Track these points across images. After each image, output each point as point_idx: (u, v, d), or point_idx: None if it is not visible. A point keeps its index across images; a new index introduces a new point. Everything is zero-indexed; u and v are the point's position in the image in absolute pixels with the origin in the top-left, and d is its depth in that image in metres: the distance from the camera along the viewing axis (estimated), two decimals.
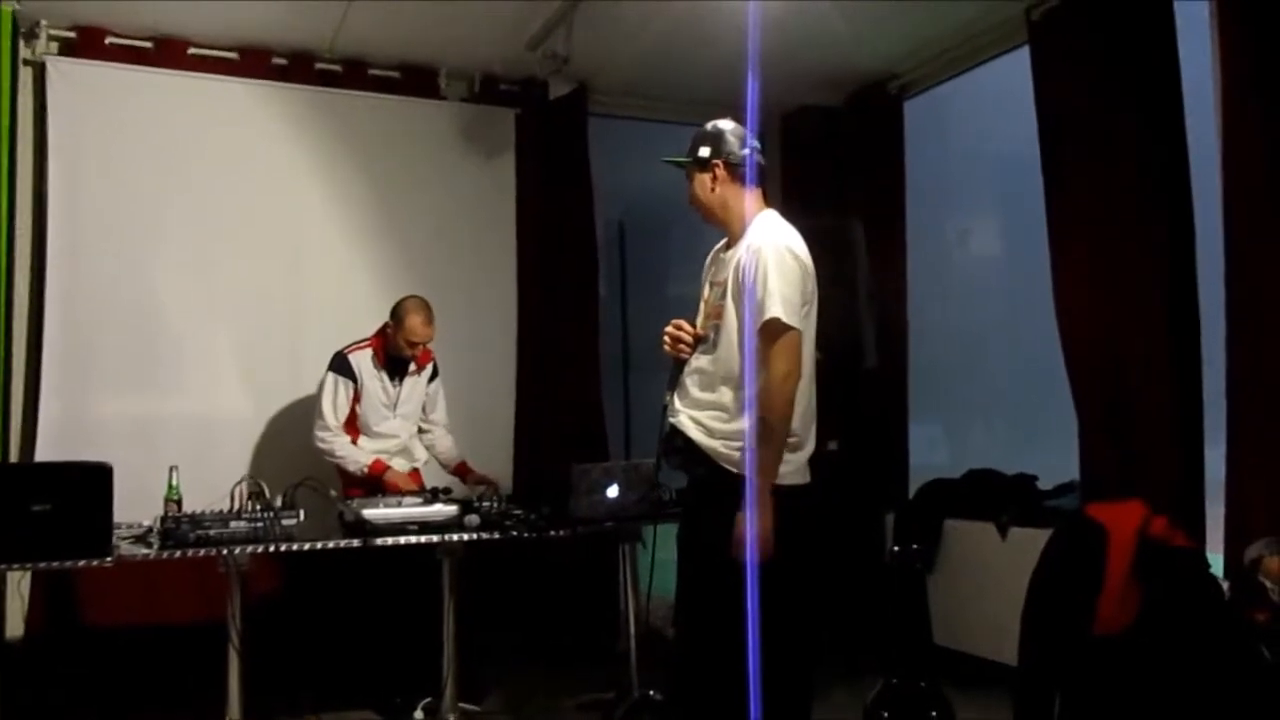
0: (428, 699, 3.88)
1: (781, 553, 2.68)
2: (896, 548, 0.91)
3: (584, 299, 5.30)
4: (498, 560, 4.36)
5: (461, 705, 3.83)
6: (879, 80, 5.27)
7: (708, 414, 2.81)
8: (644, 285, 7.31)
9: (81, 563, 3.19)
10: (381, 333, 4.25)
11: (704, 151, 2.90)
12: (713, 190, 2.90)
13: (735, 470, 2.74)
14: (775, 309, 2.70)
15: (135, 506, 3.57)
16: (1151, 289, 3.79)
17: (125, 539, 3.44)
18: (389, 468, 4.18)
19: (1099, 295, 3.95)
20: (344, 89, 4.92)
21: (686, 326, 2.90)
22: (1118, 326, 3.89)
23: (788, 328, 2.71)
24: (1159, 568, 3.20)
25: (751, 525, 2.64)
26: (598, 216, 5.35)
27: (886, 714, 0.68)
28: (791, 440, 2.77)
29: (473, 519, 3.63)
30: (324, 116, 4.86)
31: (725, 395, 2.80)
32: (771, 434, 2.69)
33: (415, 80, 5.07)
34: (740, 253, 2.82)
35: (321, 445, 4.17)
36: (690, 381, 2.86)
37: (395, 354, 4.22)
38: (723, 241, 2.98)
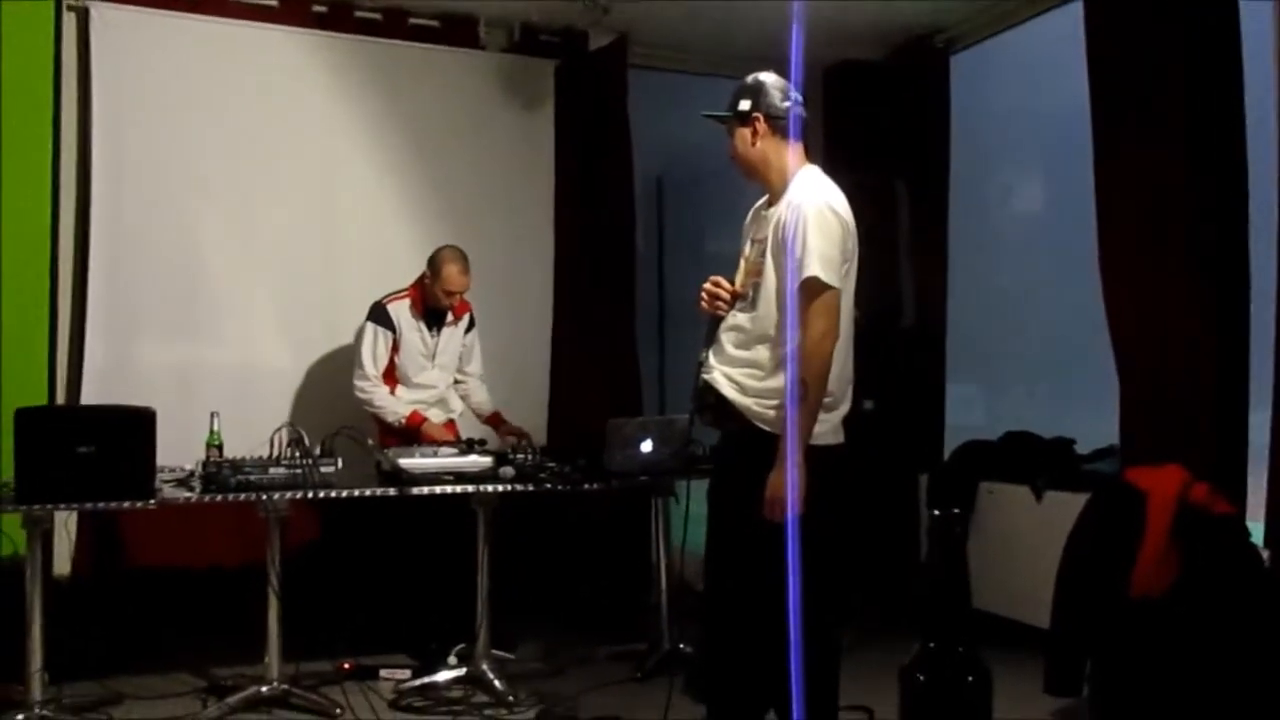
0: (462, 646, 3.95)
1: (813, 512, 2.68)
2: (937, 511, 0.90)
3: (620, 253, 5.28)
4: (532, 511, 4.39)
5: (494, 652, 3.88)
6: (925, 34, 5.16)
7: (742, 371, 2.79)
8: (681, 241, 7.28)
9: (125, 504, 3.26)
10: (419, 283, 4.27)
11: (744, 105, 2.85)
12: (753, 145, 2.85)
13: (768, 428, 2.74)
14: (814, 267, 2.67)
15: (176, 451, 3.63)
16: (1200, 252, 3.71)
17: (168, 482, 3.51)
18: (426, 420, 4.21)
19: (1145, 257, 3.87)
20: (383, 38, 4.90)
21: (724, 283, 2.88)
22: (1164, 290, 3.82)
23: (826, 286, 2.68)
24: (1198, 534, 3.16)
25: (793, 485, 2.63)
26: (636, 171, 5.31)
27: (922, 677, 0.68)
28: (826, 400, 2.75)
29: (507, 470, 3.66)
30: (363, 66, 4.85)
31: (761, 353, 2.78)
32: (807, 394, 2.68)
33: (455, 30, 5.03)
34: (781, 210, 2.78)
35: (361, 395, 4.21)
36: (727, 339, 2.84)
37: (433, 304, 4.24)
38: (764, 199, 2.95)
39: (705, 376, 2.85)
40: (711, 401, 2.84)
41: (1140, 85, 3.89)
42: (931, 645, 0.70)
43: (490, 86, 5.09)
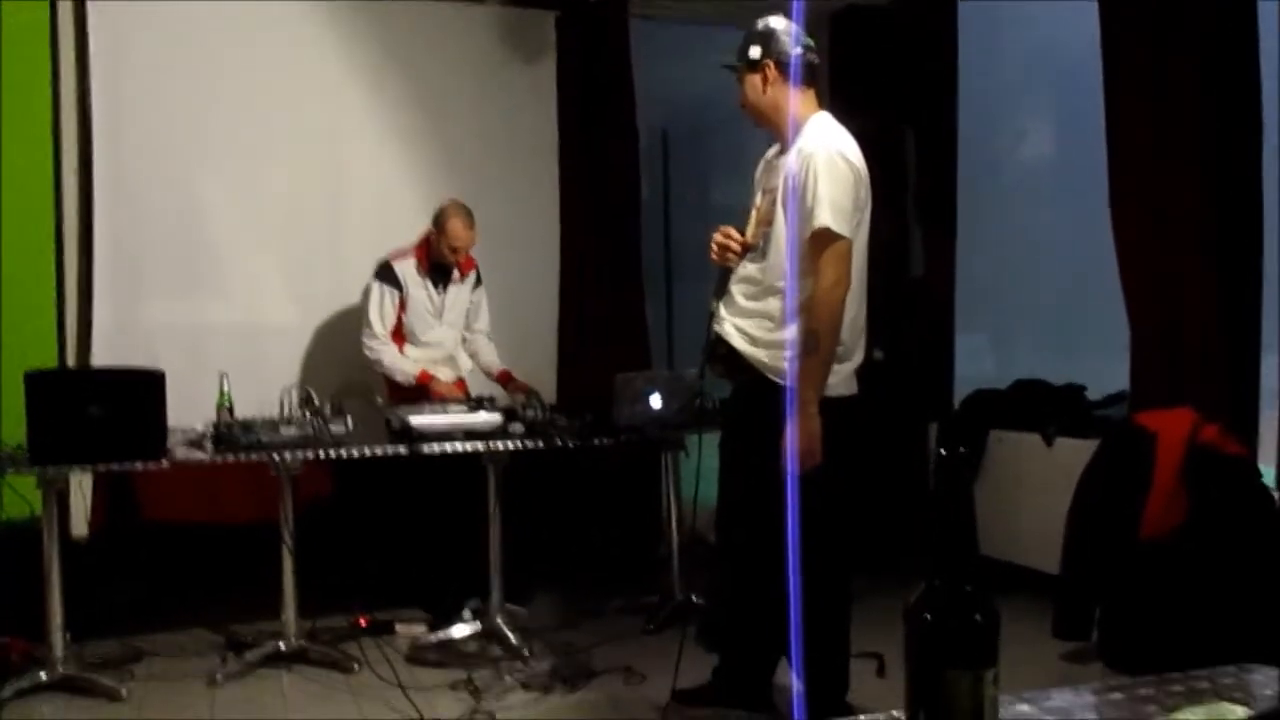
0: (475, 600, 3.98)
1: (826, 462, 2.68)
2: (943, 450, 0.91)
3: (626, 206, 5.25)
4: (542, 467, 4.41)
5: (508, 606, 3.92)
6: None
7: (753, 322, 2.78)
8: (687, 192, 7.22)
9: (138, 465, 3.29)
10: (424, 240, 4.25)
11: (754, 52, 2.79)
12: (764, 92, 2.80)
13: (780, 380, 2.73)
14: (825, 217, 2.64)
15: (186, 411, 3.64)
16: (1212, 195, 3.67)
17: (180, 443, 3.52)
18: (434, 378, 4.21)
19: (1156, 201, 3.84)
20: None
21: (734, 234, 2.84)
22: (1175, 234, 3.79)
23: (838, 236, 2.65)
24: (1208, 475, 3.17)
25: (793, 436, 2.63)
26: (640, 122, 5.26)
27: (928, 615, 0.68)
28: (838, 350, 2.74)
29: (517, 427, 3.67)
30: (364, 22, 4.78)
31: (773, 304, 2.76)
32: (819, 344, 2.66)
33: None
34: (791, 158, 2.74)
35: (369, 354, 4.21)
36: (737, 290, 2.82)
37: (439, 260, 4.23)
38: (774, 147, 2.91)
39: (716, 328, 2.83)
40: (723, 353, 2.83)
41: (1152, 25, 3.82)
42: (936, 583, 0.69)
43: (491, 40, 5.03)
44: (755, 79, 2.81)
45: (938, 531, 0.89)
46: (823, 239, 2.65)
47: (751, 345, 2.78)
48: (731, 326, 2.81)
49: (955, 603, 0.89)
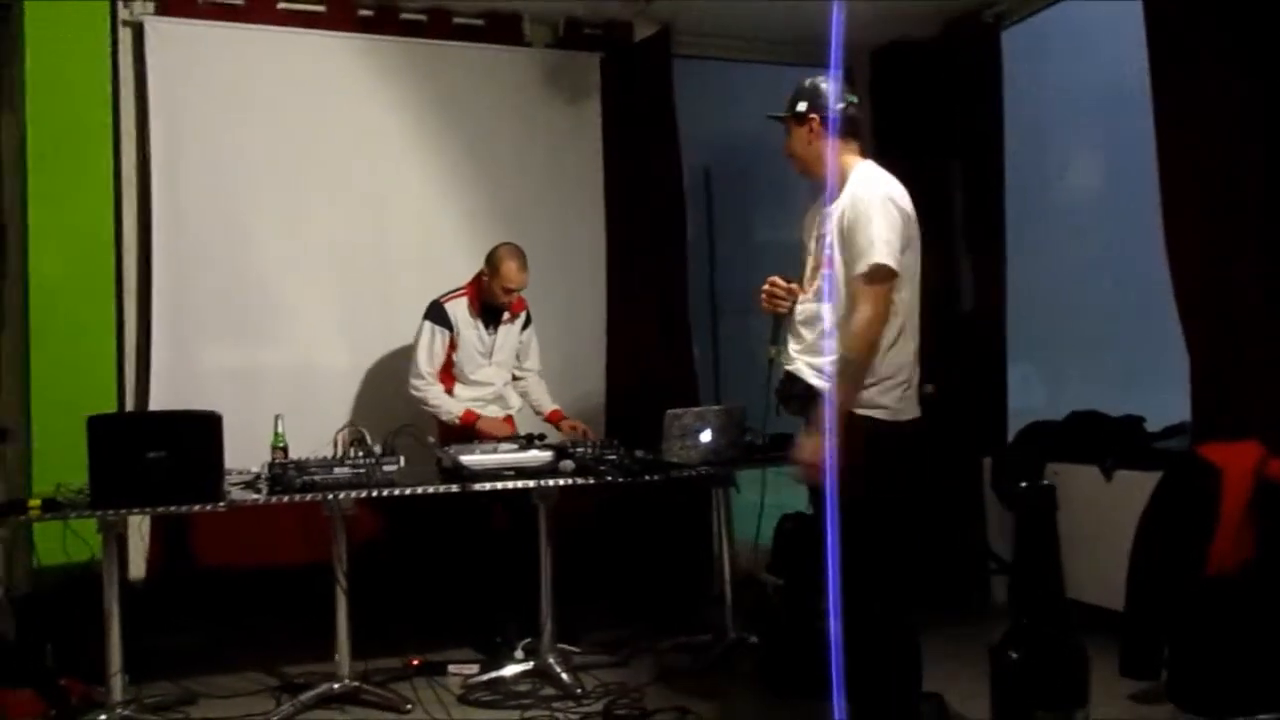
0: (527, 639, 3.97)
1: (897, 487, 2.77)
2: (1024, 484, 0.87)
3: (671, 245, 5.27)
4: (593, 505, 4.40)
5: (560, 646, 3.90)
6: (974, 9, 5.05)
7: (827, 360, 2.84)
8: (731, 230, 7.24)
9: (196, 507, 3.33)
10: (476, 281, 4.29)
11: (801, 106, 2.96)
12: (809, 144, 2.95)
13: (855, 410, 2.75)
14: (880, 255, 2.73)
15: (241, 453, 3.68)
16: (1270, 220, 3.60)
17: (235, 485, 3.57)
18: (480, 417, 4.23)
19: (1212, 228, 3.77)
20: (429, 39, 4.93)
21: (780, 282, 2.97)
22: (1232, 260, 3.71)
23: (891, 273, 2.74)
24: (1277, 510, 3.08)
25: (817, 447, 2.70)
26: (684, 161, 5.29)
27: (1014, 655, 0.65)
28: (902, 379, 2.83)
29: (567, 464, 3.67)
30: (410, 67, 4.88)
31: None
32: (848, 368, 2.76)
33: (499, 27, 5.05)
34: (843, 204, 2.84)
35: (415, 394, 4.24)
36: (806, 330, 2.91)
37: (490, 301, 4.26)
38: (822, 197, 2.98)
39: (788, 368, 2.93)
40: (799, 391, 2.90)
41: (1202, 48, 3.77)
42: (1024, 622, 0.67)
43: (536, 82, 5.10)
44: (802, 131, 2.96)
45: (1022, 568, 0.87)
46: (875, 275, 2.74)
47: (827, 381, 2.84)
48: (804, 365, 2.89)
49: (1043, 642, 0.87)
